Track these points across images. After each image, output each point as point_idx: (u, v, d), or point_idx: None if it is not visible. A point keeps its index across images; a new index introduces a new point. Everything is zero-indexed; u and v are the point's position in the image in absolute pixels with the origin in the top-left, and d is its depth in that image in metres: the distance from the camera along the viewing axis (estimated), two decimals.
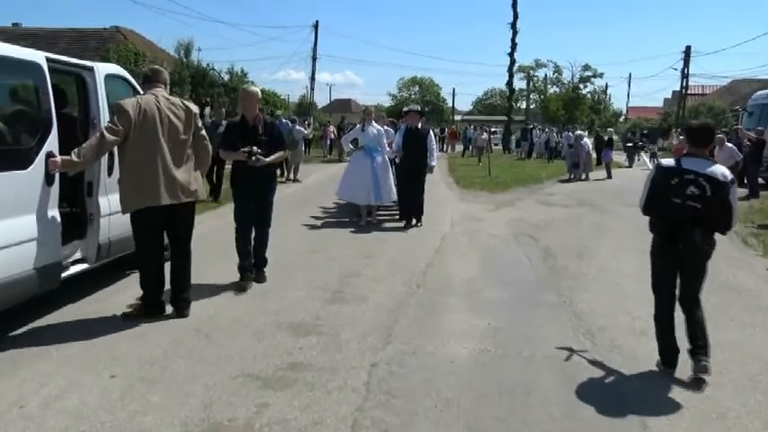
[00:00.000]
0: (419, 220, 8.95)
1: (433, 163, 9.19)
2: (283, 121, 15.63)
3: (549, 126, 35.26)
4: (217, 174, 10.86)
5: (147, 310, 4.50)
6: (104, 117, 4.91)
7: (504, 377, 3.70)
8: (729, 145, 12.46)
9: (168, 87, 4.67)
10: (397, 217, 9.35)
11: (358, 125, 9.59)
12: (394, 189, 9.30)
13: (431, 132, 9.53)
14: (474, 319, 4.76)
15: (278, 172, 12.96)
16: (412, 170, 9.00)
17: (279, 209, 10.24)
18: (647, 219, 3.86)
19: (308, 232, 8.30)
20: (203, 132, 4.64)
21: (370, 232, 8.37)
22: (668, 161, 3.84)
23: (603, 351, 4.16)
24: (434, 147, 9.34)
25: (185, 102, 4.59)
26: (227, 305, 4.92)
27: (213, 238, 7.03)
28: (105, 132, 4.16)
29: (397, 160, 9.51)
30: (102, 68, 5.18)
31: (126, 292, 5.03)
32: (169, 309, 4.59)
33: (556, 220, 9.95)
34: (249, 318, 4.59)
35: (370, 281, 5.84)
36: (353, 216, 9.38)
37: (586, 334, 4.51)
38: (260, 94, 5.52)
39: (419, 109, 9.63)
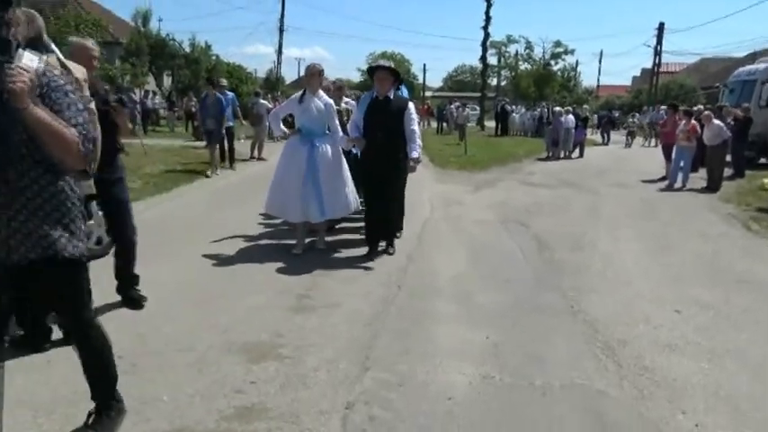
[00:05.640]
0: (391, 243, 5.86)
1: (416, 153, 5.56)
2: (228, 94, 12.04)
3: (539, 102, 34.51)
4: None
5: None
6: None
7: (518, 421, 2.88)
8: (717, 122, 11.86)
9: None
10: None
11: (295, 95, 5.96)
12: (354, 197, 5.94)
13: (410, 105, 5.77)
14: (469, 332, 3.92)
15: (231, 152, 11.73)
16: (379, 167, 5.51)
17: (242, 190, 9.40)
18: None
19: (270, 220, 7.30)
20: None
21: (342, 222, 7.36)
22: None
23: (632, 375, 3.37)
24: (416, 128, 5.68)
25: None
26: (163, 317, 3.96)
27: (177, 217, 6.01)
28: None
29: (354, 150, 6.21)
30: None
31: None
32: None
33: (543, 203, 9.18)
34: (191, 337, 3.64)
35: (342, 281, 4.95)
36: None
37: (606, 350, 3.72)
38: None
39: (392, 66, 5.89)
